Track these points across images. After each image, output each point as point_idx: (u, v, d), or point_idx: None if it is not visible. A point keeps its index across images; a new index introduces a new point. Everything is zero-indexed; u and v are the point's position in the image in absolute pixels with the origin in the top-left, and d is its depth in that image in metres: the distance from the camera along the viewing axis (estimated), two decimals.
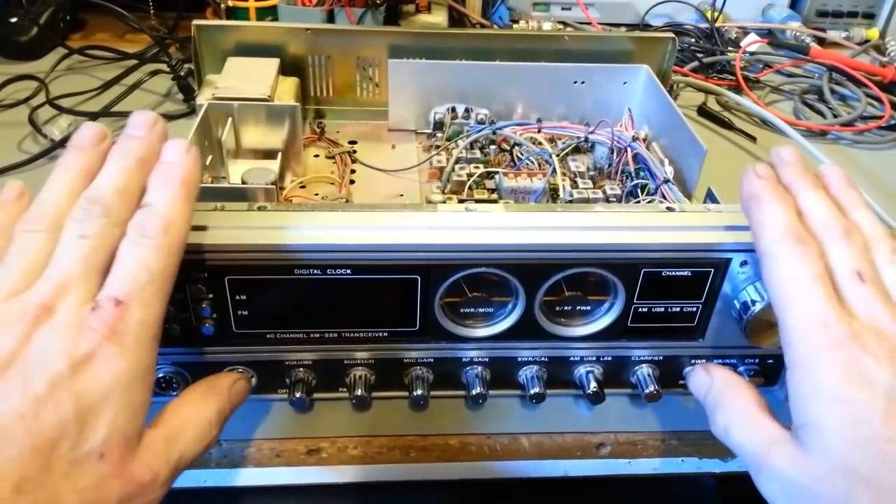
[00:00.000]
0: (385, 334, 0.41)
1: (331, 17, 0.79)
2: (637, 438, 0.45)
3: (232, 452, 0.42)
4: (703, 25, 0.95)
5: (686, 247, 0.39)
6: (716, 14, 0.94)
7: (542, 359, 0.43)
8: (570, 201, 0.53)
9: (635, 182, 0.54)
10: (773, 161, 0.38)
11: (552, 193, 0.54)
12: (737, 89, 0.81)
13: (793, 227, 0.34)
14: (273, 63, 0.60)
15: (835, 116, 0.78)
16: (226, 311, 0.39)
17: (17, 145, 0.66)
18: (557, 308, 0.42)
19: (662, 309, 0.41)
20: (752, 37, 0.92)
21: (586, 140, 0.60)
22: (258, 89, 0.56)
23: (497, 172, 0.54)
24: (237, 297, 0.39)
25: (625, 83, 0.63)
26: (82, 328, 0.29)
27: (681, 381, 0.45)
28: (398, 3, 0.83)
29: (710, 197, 0.48)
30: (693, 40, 0.93)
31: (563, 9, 0.97)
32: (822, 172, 0.38)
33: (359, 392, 0.42)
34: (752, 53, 0.90)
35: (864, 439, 0.29)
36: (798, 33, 0.94)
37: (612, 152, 0.57)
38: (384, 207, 0.40)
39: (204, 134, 0.52)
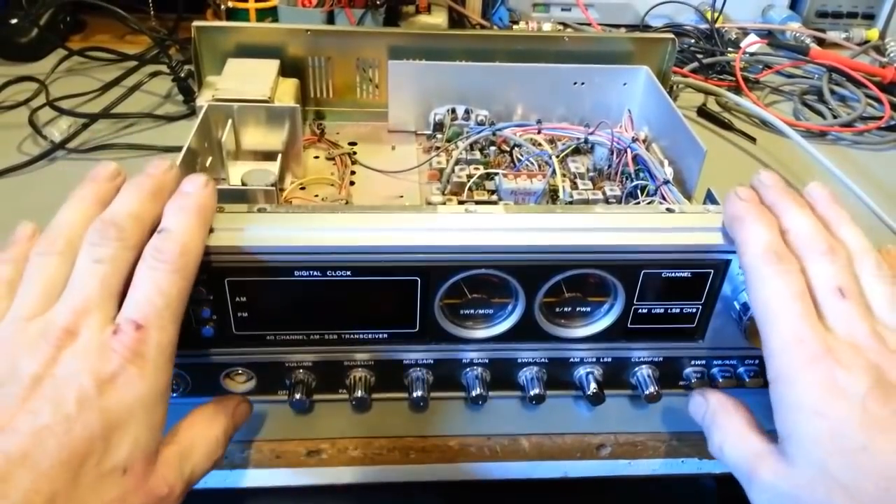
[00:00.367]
0: (385, 336, 0.41)
1: (331, 19, 0.79)
2: (637, 439, 0.45)
3: (232, 454, 0.42)
4: (703, 26, 0.95)
5: (686, 248, 0.39)
6: (715, 15, 0.94)
7: (542, 360, 0.43)
8: (570, 202, 0.53)
9: (635, 183, 0.54)
10: (755, 185, 0.39)
11: (552, 195, 0.54)
12: (736, 90, 0.81)
13: (773, 246, 0.35)
14: (273, 64, 0.60)
15: (834, 117, 0.78)
16: (226, 313, 0.39)
17: (17, 147, 0.66)
18: (557, 309, 0.42)
19: (662, 310, 0.41)
20: (752, 37, 0.92)
21: (586, 141, 0.60)
22: (258, 91, 0.56)
23: (497, 174, 0.54)
24: (237, 299, 0.39)
25: (624, 84, 0.63)
26: (105, 350, 0.30)
27: (681, 382, 0.45)
28: (398, 4, 0.83)
29: (710, 198, 0.48)
30: (693, 41, 0.93)
31: (562, 10, 0.97)
32: (807, 191, 0.39)
33: (359, 393, 0.42)
34: (751, 54, 0.90)
35: (841, 449, 0.31)
36: (798, 34, 0.94)
37: (612, 153, 0.57)
38: (384, 209, 0.40)
39: (204, 135, 0.52)
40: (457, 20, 0.89)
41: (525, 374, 0.44)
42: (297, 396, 0.42)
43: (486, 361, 0.43)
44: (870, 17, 1.01)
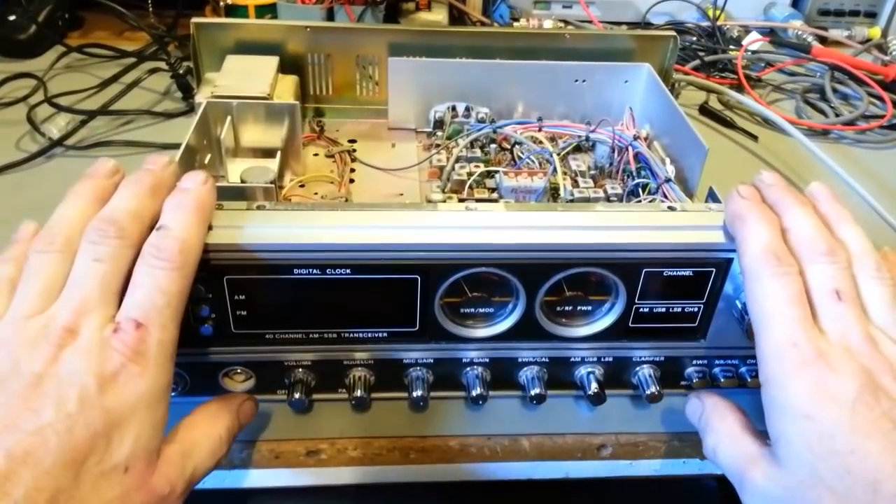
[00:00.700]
0: (385, 335, 0.41)
1: (330, 15, 0.79)
2: (638, 439, 0.44)
3: (230, 454, 0.42)
4: (705, 24, 0.95)
5: (687, 246, 0.39)
6: (717, 12, 0.94)
7: (543, 359, 0.43)
8: (571, 200, 0.53)
9: (636, 181, 0.54)
10: (756, 184, 0.39)
11: (553, 193, 0.53)
12: (738, 88, 0.81)
13: (773, 247, 0.35)
14: (272, 61, 0.60)
15: (837, 115, 0.78)
16: (224, 312, 0.39)
17: (15, 144, 0.66)
18: (558, 308, 0.41)
19: (664, 309, 0.41)
20: (754, 35, 0.92)
21: (587, 139, 0.59)
22: (257, 87, 0.55)
23: (497, 171, 0.54)
24: (236, 297, 0.38)
25: (626, 82, 0.63)
26: (106, 349, 0.30)
27: (682, 382, 0.45)
28: (398, 0, 0.83)
29: (712, 196, 0.48)
30: (695, 39, 0.92)
31: (564, 7, 0.97)
32: (809, 190, 0.39)
33: (358, 393, 0.42)
34: (753, 52, 0.89)
35: (830, 452, 0.31)
36: (800, 32, 0.94)
37: (614, 151, 0.57)
38: (384, 207, 0.40)
39: (203, 132, 0.52)
40: (457, 17, 0.89)
41: (525, 373, 0.43)
42: (297, 396, 0.42)
43: (487, 361, 0.43)
44: (872, 16, 1.01)
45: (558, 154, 0.56)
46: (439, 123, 0.62)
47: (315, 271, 0.38)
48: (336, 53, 0.63)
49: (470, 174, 0.54)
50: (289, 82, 0.61)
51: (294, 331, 0.41)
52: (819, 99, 0.82)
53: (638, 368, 0.44)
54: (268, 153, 0.55)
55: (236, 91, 0.55)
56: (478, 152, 0.58)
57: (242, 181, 0.49)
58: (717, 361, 0.44)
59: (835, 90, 0.82)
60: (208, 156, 0.53)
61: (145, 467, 0.31)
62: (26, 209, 0.57)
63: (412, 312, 0.40)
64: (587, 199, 0.53)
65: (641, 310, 0.41)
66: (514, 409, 0.45)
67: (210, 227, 0.36)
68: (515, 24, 0.93)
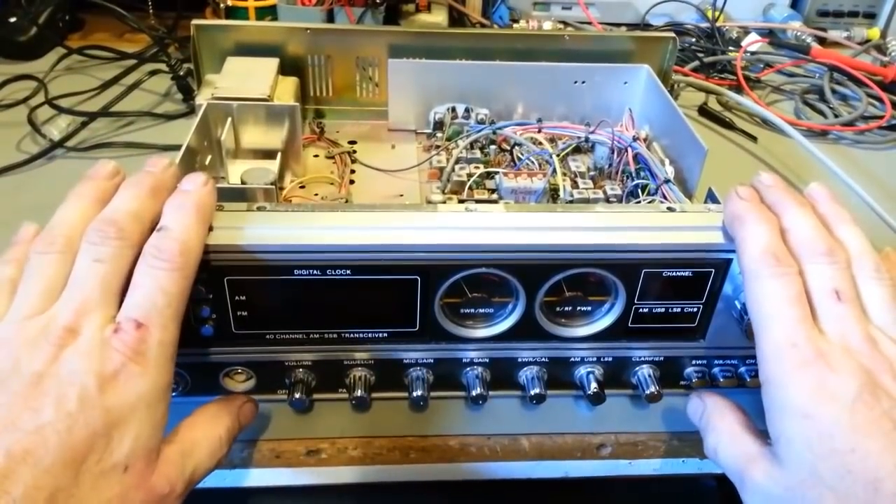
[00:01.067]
0: (385, 335, 0.41)
1: (330, 17, 0.79)
2: (638, 439, 0.44)
3: (231, 453, 0.42)
4: (704, 25, 0.95)
5: (687, 247, 0.39)
6: (716, 14, 0.94)
7: (543, 359, 0.43)
8: (571, 201, 0.53)
9: (636, 182, 0.54)
10: (755, 185, 0.39)
11: (552, 193, 0.54)
12: (738, 89, 0.81)
13: (772, 248, 0.35)
14: (272, 63, 0.60)
15: (836, 116, 0.78)
16: (225, 312, 0.39)
17: (15, 145, 0.66)
18: (558, 309, 0.42)
19: (663, 309, 0.41)
20: (753, 36, 0.92)
21: (587, 140, 0.59)
22: (257, 89, 0.55)
23: (497, 172, 0.54)
24: (236, 298, 0.39)
25: (625, 83, 0.63)
26: (107, 349, 0.30)
27: (682, 382, 0.45)
28: (398, 2, 0.83)
29: (711, 197, 0.48)
30: (694, 40, 0.92)
31: (563, 8, 0.97)
32: (808, 191, 0.39)
33: (359, 393, 0.42)
34: (752, 53, 0.90)
35: (830, 451, 0.31)
36: (799, 33, 0.94)
37: (613, 152, 0.57)
38: (384, 208, 0.40)
39: (203, 134, 0.52)
40: (457, 18, 0.89)
41: (525, 373, 0.43)
42: (297, 396, 0.42)
43: (487, 361, 0.43)
44: (871, 16, 1.01)
45: (558, 155, 0.56)
46: (439, 125, 0.63)
47: (315, 272, 0.38)
48: (336, 55, 0.63)
49: (470, 175, 0.54)
50: (289, 84, 0.61)
51: (295, 331, 0.41)
52: (818, 100, 0.82)
53: (637, 368, 0.44)
54: (268, 154, 0.55)
55: (237, 93, 0.55)
56: (477, 153, 0.58)
57: (243, 182, 0.49)
58: (716, 361, 0.44)
59: (834, 91, 0.82)
60: (209, 157, 0.53)
61: (145, 466, 0.31)
62: (27, 211, 0.57)
63: (412, 313, 0.40)
64: (587, 200, 0.53)
65: (641, 310, 0.41)
66: (513, 408, 0.45)
67: (211, 229, 0.36)
68: (515, 25, 0.93)
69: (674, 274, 0.40)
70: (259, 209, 0.39)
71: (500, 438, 0.44)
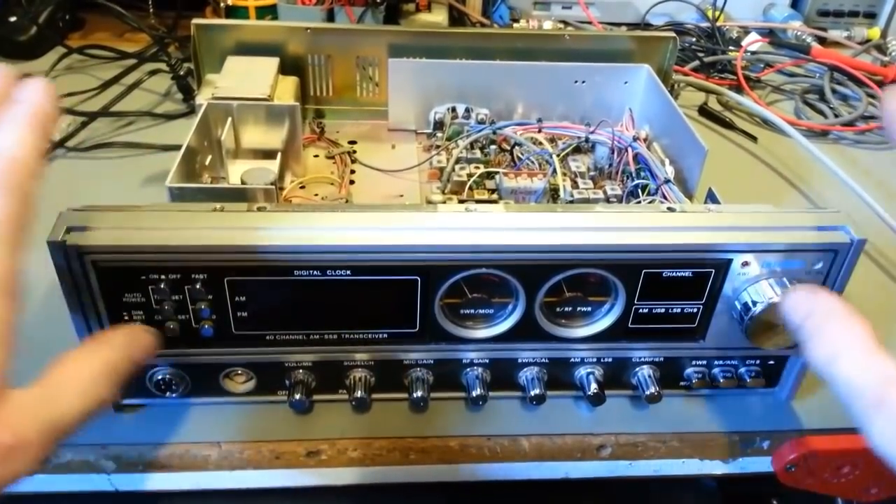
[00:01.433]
0: (385, 336, 0.41)
1: (331, 16, 0.79)
2: (638, 440, 0.44)
3: (231, 454, 0.42)
4: (704, 25, 0.95)
5: (687, 247, 0.39)
6: (717, 13, 0.94)
7: (543, 360, 0.43)
8: (571, 201, 0.53)
9: (636, 182, 0.54)
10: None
11: (553, 194, 0.54)
12: (738, 89, 0.81)
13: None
14: (273, 62, 0.60)
15: (836, 116, 0.78)
16: (225, 313, 0.39)
17: None
18: (558, 309, 0.41)
19: (663, 310, 0.41)
20: (753, 36, 0.92)
21: (587, 140, 0.59)
22: (258, 89, 0.55)
23: (497, 172, 0.54)
24: (236, 299, 0.39)
25: (625, 83, 0.63)
26: None
27: (682, 383, 0.45)
28: (398, 1, 0.83)
29: (711, 197, 0.48)
30: (694, 39, 0.92)
31: (563, 8, 0.97)
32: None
33: (359, 394, 0.42)
34: (753, 53, 0.90)
35: None
36: (799, 33, 0.94)
37: (613, 152, 0.57)
38: (384, 208, 0.40)
39: (203, 134, 0.52)
40: (457, 18, 0.89)
41: (525, 374, 0.43)
42: (297, 396, 0.42)
43: (487, 361, 0.43)
44: (871, 16, 1.01)
45: (558, 155, 0.56)
46: (439, 125, 0.63)
47: (315, 273, 0.38)
48: (336, 54, 0.63)
49: (470, 175, 0.54)
50: (289, 83, 0.61)
51: (295, 332, 0.41)
52: (818, 100, 0.82)
53: (637, 369, 0.44)
54: (268, 154, 0.55)
55: (237, 92, 0.55)
56: (478, 153, 0.58)
57: (243, 182, 0.49)
58: (716, 362, 0.44)
59: (834, 91, 0.82)
60: (209, 157, 0.53)
61: None
62: None
63: (412, 313, 0.40)
64: (587, 200, 0.53)
65: (641, 311, 0.41)
66: (514, 409, 0.45)
67: (205, 227, 0.36)
68: (515, 25, 0.93)
69: (674, 274, 0.40)
70: (259, 209, 0.39)
71: (500, 439, 0.44)
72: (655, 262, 0.39)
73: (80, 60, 0.82)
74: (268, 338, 0.41)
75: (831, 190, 0.65)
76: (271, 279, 0.38)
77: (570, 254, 0.38)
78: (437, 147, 0.60)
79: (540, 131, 0.60)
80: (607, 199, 0.54)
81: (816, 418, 0.45)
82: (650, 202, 0.51)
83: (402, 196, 0.56)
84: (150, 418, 0.43)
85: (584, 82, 0.63)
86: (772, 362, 0.44)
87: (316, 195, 0.55)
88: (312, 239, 0.37)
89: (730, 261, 0.39)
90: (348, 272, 0.38)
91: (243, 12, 0.78)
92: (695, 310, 0.41)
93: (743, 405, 0.46)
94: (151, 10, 0.87)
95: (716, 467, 0.46)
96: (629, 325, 0.42)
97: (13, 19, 0.82)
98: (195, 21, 0.61)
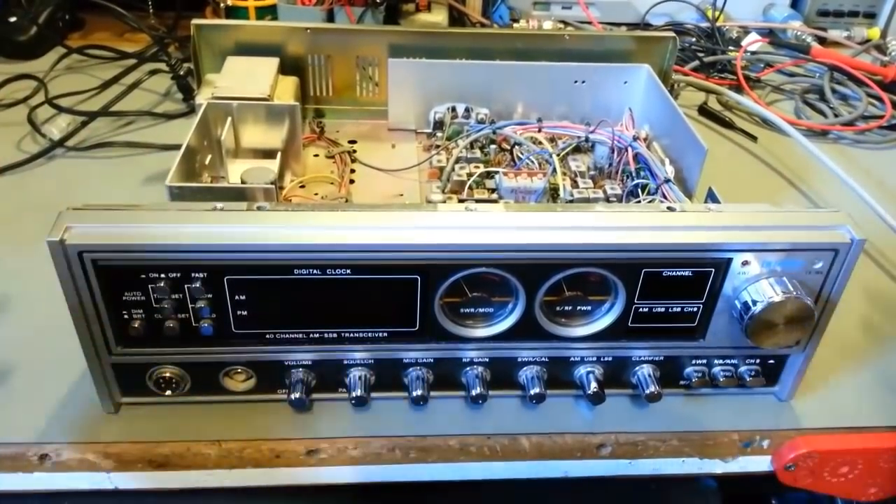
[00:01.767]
0: (385, 334, 0.41)
1: (330, 17, 0.79)
2: (637, 439, 0.44)
3: (231, 453, 0.42)
4: (704, 25, 0.95)
5: (687, 247, 0.39)
6: (717, 13, 0.94)
7: (543, 359, 0.43)
8: (571, 201, 0.53)
9: (636, 182, 0.54)
10: None
11: (552, 193, 0.54)
12: (738, 89, 0.81)
13: None
14: (272, 62, 0.60)
15: (836, 116, 0.78)
16: (225, 312, 0.39)
17: (15, 144, 0.66)
18: (558, 308, 0.41)
19: (663, 309, 0.41)
20: (753, 36, 0.92)
21: (587, 140, 0.59)
22: (257, 89, 0.55)
23: (497, 172, 0.54)
24: (236, 297, 0.39)
25: (625, 83, 0.63)
26: None
27: (681, 382, 0.45)
28: (398, 2, 0.83)
29: (711, 196, 0.48)
30: (694, 39, 0.92)
31: (563, 8, 0.97)
32: None
33: (358, 392, 0.42)
34: (753, 53, 0.90)
35: None
36: (799, 33, 0.94)
37: (613, 152, 0.57)
38: (384, 207, 0.40)
39: (203, 133, 0.52)
40: (457, 18, 0.89)
41: (525, 373, 0.43)
42: (297, 395, 0.42)
43: (487, 360, 0.43)
44: (871, 16, 1.01)
45: (558, 155, 0.56)
46: (439, 124, 0.63)
47: (315, 272, 0.38)
48: (336, 54, 0.63)
49: (470, 175, 0.54)
50: (289, 83, 0.61)
51: (294, 331, 0.41)
52: (818, 99, 0.82)
53: (637, 368, 0.44)
54: (268, 154, 0.55)
55: (237, 92, 0.55)
56: (477, 153, 0.58)
57: (243, 182, 0.49)
58: (716, 361, 0.44)
59: (834, 91, 0.82)
60: (209, 157, 0.53)
61: None
62: (27, 210, 0.57)
63: (412, 312, 0.40)
64: (587, 200, 0.53)
65: (641, 310, 0.41)
66: (513, 408, 0.45)
67: (205, 227, 0.36)
68: (515, 25, 0.93)
69: (674, 273, 0.40)
70: (259, 209, 0.39)
71: (500, 438, 0.44)
72: (655, 262, 0.39)
73: (80, 60, 0.82)
74: (267, 336, 0.41)
75: (831, 190, 0.65)
76: (271, 278, 0.38)
77: (569, 253, 0.38)
78: (437, 147, 0.60)
79: (540, 131, 0.60)
80: (607, 199, 0.54)
81: (816, 418, 0.45)
82: (650, 202, 0.51)
83: (401, 195, 0.56)
84: (150, 417, 0.43)
85: (583, 82, 0.63)
86: (772, 362, 0.44)
87: (316, 195, 0.55)
88: (312, 238, 0.37)
89: (730, 260, 0.39)
90: (348, 271, 0.38)
91: (243, 12, 0.78)
92: (695, 309, 0.41)
93: (743, 404, 0.46)
94: (151, 11, 0.87)
95: (715, 467, 0.46)
96: (629, 325, 0.42)
97: (13, 19, 0.82)
98: (195, 21, 0.61)
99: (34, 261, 0.50)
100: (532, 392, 0.43)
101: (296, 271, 0.38)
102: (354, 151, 0.61)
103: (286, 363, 0.42)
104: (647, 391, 0.43)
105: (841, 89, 0.82)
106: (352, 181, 0.57)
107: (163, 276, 0.37)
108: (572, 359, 0.43)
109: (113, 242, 0.36)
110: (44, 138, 0.66)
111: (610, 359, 0.43)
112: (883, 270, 0.58)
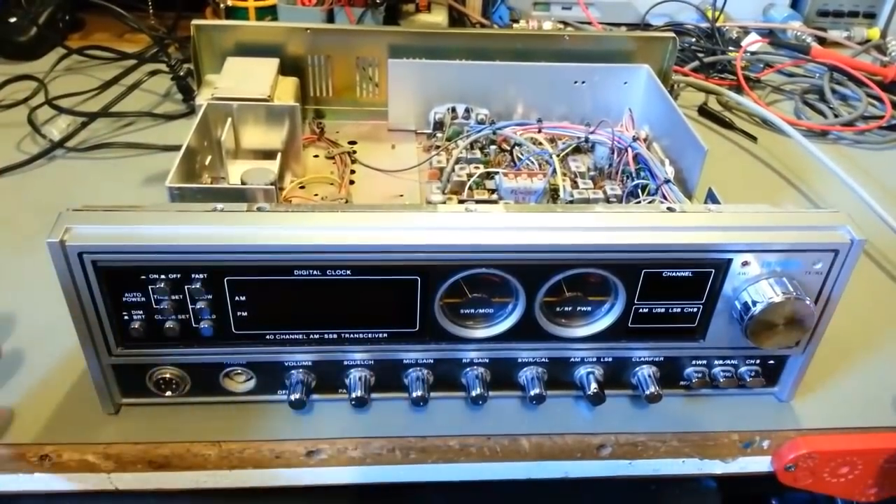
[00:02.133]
0: (385, 335, 0.41)
1: (330, 17, 0.79)
2: (637, 439, 0.44)
3: (231, 454, 0.42)
4: (704, 25, 0.95)
5: (687, 247, 0.39)
6: (716, 14, 0.94)
7: (543, 360, 0.43)
8: (571, 202, 0.53)
9: (636, 182, 0.54)
10: None
11: (552, 194, 0.54)
12: (737, 89, 0.81)
13: None
14: (272, 63, 0.60)
15: (836, 116, 0.78)
16: (225, 312, 0.39)
17: (16, 145, 0.66)
18: (558, 309, 0.41)
19: (663, 310, 0.41)
20: (753, 36, 0.92)
21: (587, 140, 0.59)
22: (257, 89, 0.55)
23: (497, 173, 0.54)
24: (236, 298, 0.39)
25: (625, 83, 0.63)
26: None
27: (682, 382, 0.45)
28: (398, 2, 0.83)
29: (711, 197, 0.48)
30: (694, 40, 0.92)
31: (563, 8, 0.97)
32: None
33: (358, 393, 0.42)
34: (752, 53, 0.90)
35: None
36: (799, 33, 0.94)
37: (613, 152, 0.57)
38: (384, 208, 0.40)
39: (203, 134, 0.52)
40: (457, 19, 0.89)
41: (525, 373, 0.43)
42: (297, 396, 0.42)
43: (487, 361, 0.43)
44: (871, 17, 1.01)
45: (558, 155, 0.56)
46: (439, 125, 0.63)
47: (315, 272, 0.38)
48: (336, 55, 0.63)
49: (470, 175, 0.54)
50: (289, 84, 0.61)
51: (294, 331, 0.41)
52: (818, 100, 0.82)
53: (637, 369, 0.44)
54: (268, 155, 0.55)
55: (237, 93, 0.55)
56: (477, 153, 0.58)
57: (243, 183, 0.49)
58: (716, 361, 0.44)
59: (834, 91, 0.82)
60: (209, 157, 0.53)
61: None
62: (27, 211, 0.57)
63: (412, 313, 0.40)
64: (587, 201, 0.53)
65: (641, 310, 0.41)
66: (513, 409, 0.45)
67: (205, 228, 0.36)
68: (515, 25, 0.93)
69: (674, 274, 0.40)
70: (259, 209, 0.39)
71: (500, 438, 0.44)
72: (655, 262, 0.39)
73: (80, 61, 0.82)
74: (267, 337, 0.41)
75: (831, 190, 0.65)
76: (271, 279, 0.38)
77: (569, 254, 0.38)
78: (437, 147, 0.60)
79: (540, 131, 0.60)
80: (607, 199, 0.54)
81: (816, 418, 0.45)
82: (650, 202, 0.51)
83: (402, 196, 0.56)
84: (150, 418, 0.43)
85: (583, 83, 0.63)
86: (772, 362, 0.44)
87: (316, 195, 0.55)
88: (312, 239, 0.37)
89: (730, 260, 0.39)
90: (348, 272, 0.38)
91: (243, 13, 0.78)
92: (695, 309, 0.41)
93: (743, 405, 0.46)
94: (151, 11, 0.87)
95: (715, 467, 0.46)
96: (629, 325, 0.42)
97: (13, 20, 0.82)
98: (195, 22, 0.61)
99: (34, 261, 0.50)
100: (532, 393, 0.43)
101: (296, 272, 0.38)
102: (354, 152, 0.61)
103: (286, 364, 0.42)
104: (647, 392, 0.43)
105: (841, 90, 0.82)
106: (352, 182, 0.57)
107: (163, 276, 0.37)
108: (572, 359, 0.43)
109: (113, 243, 0.36)
110: (44, 139, 0.66)
111: (610, 359, 0.43)
112: (883, 270, 0.58)
